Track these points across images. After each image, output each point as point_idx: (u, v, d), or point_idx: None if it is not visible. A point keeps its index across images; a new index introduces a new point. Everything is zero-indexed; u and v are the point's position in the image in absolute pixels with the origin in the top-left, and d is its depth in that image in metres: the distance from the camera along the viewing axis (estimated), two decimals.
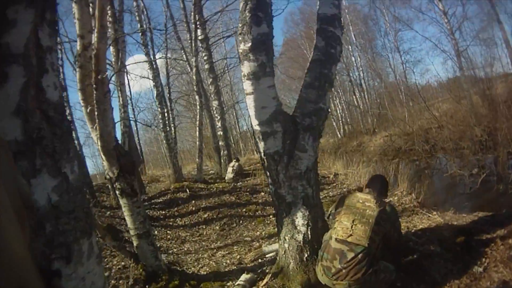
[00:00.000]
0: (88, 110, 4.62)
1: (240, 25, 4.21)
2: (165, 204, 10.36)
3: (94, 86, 4.12)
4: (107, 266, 5.69)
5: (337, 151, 19.47)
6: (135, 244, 5.29)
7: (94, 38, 4.05)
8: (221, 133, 14.58)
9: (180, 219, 9.38)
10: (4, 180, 1.06)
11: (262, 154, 4.38)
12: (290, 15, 36.69)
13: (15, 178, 1.21)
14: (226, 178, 12.86)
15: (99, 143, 4.56)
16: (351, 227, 3.46)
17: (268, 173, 4.46)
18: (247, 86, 4.22)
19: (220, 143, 14.67)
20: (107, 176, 5.39)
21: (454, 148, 14.34)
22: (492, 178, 10.37)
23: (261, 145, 4.34)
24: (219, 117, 14.51)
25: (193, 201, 10.20)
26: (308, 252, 4.16)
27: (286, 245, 4.33)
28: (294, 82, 30.76)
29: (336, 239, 3.52)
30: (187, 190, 10.97)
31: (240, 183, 12.21)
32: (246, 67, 4.18)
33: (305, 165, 4.28)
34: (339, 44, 4.60)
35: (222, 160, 14.55)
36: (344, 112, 32.89)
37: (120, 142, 10.30)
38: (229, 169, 12.92)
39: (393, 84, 29.12)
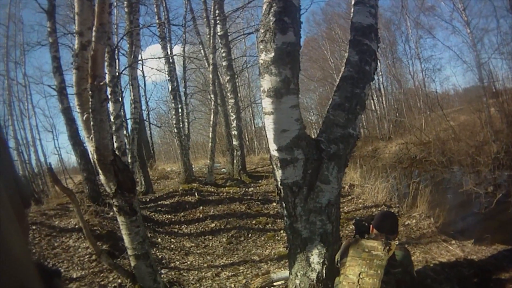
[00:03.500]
0: (84, 118, 4.06)
1: (262, 30, 3.63)
2: (172, 207, 9.88)
3: (89, 92, 3.55)
4: (102, 282, 5.35)
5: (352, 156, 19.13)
6: (132, 264, 4.85)
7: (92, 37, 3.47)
8: (236, 132, 14.04)
9: (186, 226, 8.90)
10: (3, 179, 1.04)
11: (279, 183, 3.89)
12: (312, 15, 36.58)
13: (14, 177, 1.18)
14: None
15: (95, 156, 4.02)
16: (358, 281, 3.13)
17: (283, 205, 3.97)
18: (267, 104, 3.65)
19: (234, 142, 14.12)
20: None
21: (470, 163, 14.06)
22: (507, 199, 9.88)
23: (278, 173, 3.84)
24: (234, 116, 13.97)
25: (201, 207, 9.72)
26: None
27: (298, 282, 3.92)
28: (312, 83, 30.35)
29: None
30: (196, 194, 10.46)
31: (252, 188, 11.69)
32: (267, 82, 3.59)
33: (327, 198, 3.83)
34: (374, 60, 4.08)
35: (235, 161, 14.03)
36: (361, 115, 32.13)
37: (127, 140, 10.11)
38: None
39: (411, 90, 28.85)
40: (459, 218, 9.31)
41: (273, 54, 3.51)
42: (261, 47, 3.65)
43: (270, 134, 3.75)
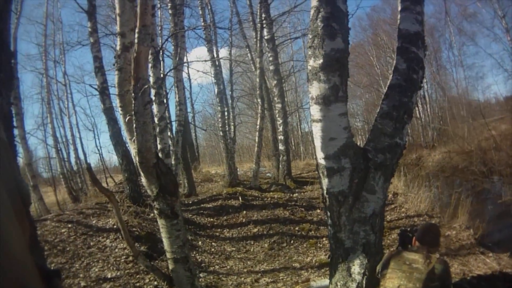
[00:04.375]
0: (126, 120, 4.03)
1: (310, 36, 3.58)
2: (215, 211, 9.85)
3: (132, 95, 3.51)
4: (138, 284, 5.32)
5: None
6: (170, 267, 4.83)
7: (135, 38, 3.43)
8: (282, 137, 13.87)
9: (228, 230, 8.86)
10: (4, 179, 1.04)
11: (325, 192, 3.82)
12: (358, 20, 35.75)
13: (15, 177, 1.18)
14: None
15: (137, 159, 4.00)
16: None
17: (328, 213, 3.90)
18: (315, 111, 3.60)
19: (280, 147, 13.98)
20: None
21: (510, 174, 14.02)
22: None
23: (325, 181, 3.76)
24: (281, 121, 13.78)
25: (245, 212, 9.67)
26: None
27: None
28: (358, 89, 29.99)
29: None
30: (240, 198, 10.40)
31: (297, 194, 11.53)
32: (315, 89, 3.55)
33: (372, 208, 3.74)
34: (422, 69, 3.96)
35: (280, 165, 13.87)
36: None
37: (172, 142, 10.15)
38: None
39: (455, 98, 28.20)
40: (496, 229, 9.00)
41: (321, 60, 3.47)
42: (309, 53, 3.61)
43: (317, 142, 3.71)
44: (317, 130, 3.63)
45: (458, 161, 18.81)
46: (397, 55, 3.95)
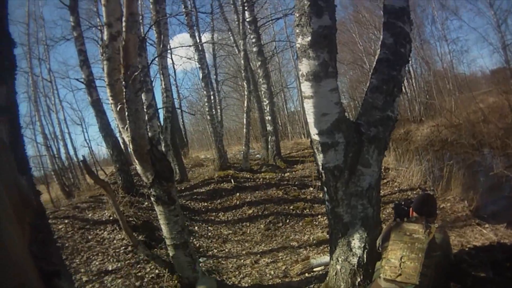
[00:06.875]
0: (118, 109, 4.01)
1: (297, 14, 3.58)
2: (208, 195, 9.89)
3: (123, 83, 3.49)
4: (139, 274, 5.31)
5: None
6: (171, 254, 4.84)
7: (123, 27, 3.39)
8: (269, 117, 13.89)
9: (223, 213, 8.89)
10: (4, 180, 1.07)
11: (320, 167, 3.86)
12: None
13: (15, 178, 1.19)
14: None
15: (131, 146, 3.98)
16: (399, 265, 3.15)
17: (325, 189, 3.95)
18: (306, 88, 3.62)
19: (268, 127, 13.99)
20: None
21: (500, 146, 13.94)
22: None
23: (320, 157, 3.79)
24: (267, 101, 13.81)
25: (238, 194, 9.72)
26: (362, 277, 3.80)
27: (338, 267, 3.96)
28: (342, 66, 29.98)
29: (384, 278, 3.21)
30: (232, 181, 10.44)
31: (288, 173, 11.58)
32: (305, 66, 3.56)
33: (368, 182, 3.81)
34: (409, 42, 3.99)
35: (269, 146, 13.90)
36: None
37: (160, 129, 10.10)
38: None
39: (440, 72, 28.14)
40: (490, 201, 9.10)
41: (310, 38, 3.49)
42: (297, 31, 3.61)
43: (310, 118, 3.73)
44: (309, 106, 3.66)
45: (447, 135, 18.92)
46: (383, 30, 3.98)
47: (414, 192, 8.14)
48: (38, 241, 1.28)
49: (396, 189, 8.97)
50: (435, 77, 27.70)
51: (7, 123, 1.67)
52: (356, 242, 3.80)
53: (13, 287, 0.99)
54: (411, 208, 3.63)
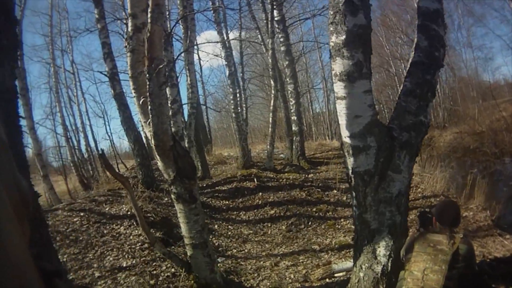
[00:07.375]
0: (140, 102, 3.90)
1: (331, 12, 3.50)
2: (230, 193, 9.74)
3: (147, 76, 3.37)
4: (155, 272, 5.22)
5: None
6: (189, 253, 4.77)
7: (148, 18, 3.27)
8: (295, 117, 13.72)
9: (244, 212, 8.76)
10: (2, 178, 0.90)
11: (350, 171, 3.77)
12: None
13: (14, 176, 1.00)
14: None
15: (153, 142, 3.87)
16: (422, 277, 3.08)
17: (353, 194, 3.85)
18: (339, 88, 3.53)
19: (293, 128, 13.82)
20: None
21: None
22: None
23: (350, 161, 3.70)
24: (293, 101, 13.63)
25: (260, 193, 9.54)
26: (384, 286, 3.73)
27: (362, 274, 3.87)
28: None
29: None
30: (255, 180, 10.25)
31: (312, 174, 11.37)
32: (339, 65, 3.48)
33: (398, 188, 3.69)
34: (443, 46, 3.92)
35: (294, 146, 13.73)
36: None
37: (184, 125, 10.03)
38: None
39: (464, 79, 28.14)
40: (509, 211, 8.79)
41: (344, 36, 3.43)
42: (331, 29, 3.54)
43: (342, 120, 3.64)
44: (341, 107, 3.55)
45: (469, 142, 18.89)
46: (417, 33, 3.88)
47: (437, 199, 7.93)
48: (38, 241, 1.19)
49: (419, 195, 8.73)
50: (460, 83, 27.74)
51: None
52: (382, 250, 3.71)
53: (13, 287, 0.84)
54: (434, 217, 3.51)
